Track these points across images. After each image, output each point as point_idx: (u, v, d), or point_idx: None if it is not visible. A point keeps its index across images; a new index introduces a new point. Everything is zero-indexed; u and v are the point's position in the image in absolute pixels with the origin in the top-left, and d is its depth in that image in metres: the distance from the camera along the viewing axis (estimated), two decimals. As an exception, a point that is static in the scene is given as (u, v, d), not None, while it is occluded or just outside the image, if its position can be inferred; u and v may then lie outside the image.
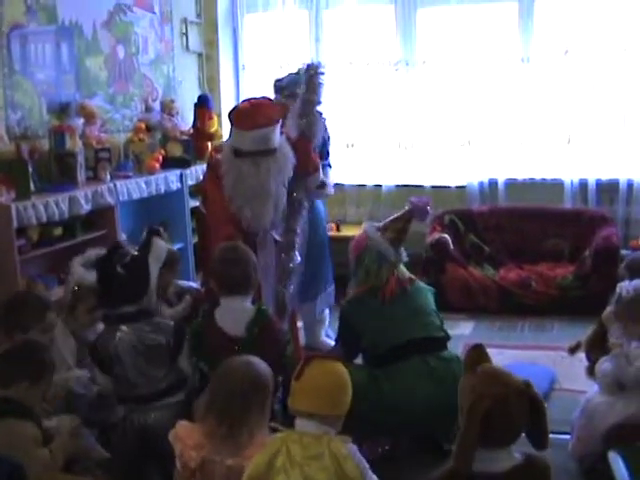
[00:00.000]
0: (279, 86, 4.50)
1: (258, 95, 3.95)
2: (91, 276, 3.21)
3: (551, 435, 3.40)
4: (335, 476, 2.21)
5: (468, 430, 1.99)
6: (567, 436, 3.34)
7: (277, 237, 3.91)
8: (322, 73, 3.90)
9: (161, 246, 3.23)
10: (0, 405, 2.58)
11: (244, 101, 3.82)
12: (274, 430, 2.39)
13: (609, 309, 3.71)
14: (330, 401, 2.32)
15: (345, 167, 6.40)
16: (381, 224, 3.82)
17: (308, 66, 3.93)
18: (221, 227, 3.71)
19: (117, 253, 3.09)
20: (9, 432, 2.52)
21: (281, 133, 3.78)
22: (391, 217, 3.88)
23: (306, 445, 2.24)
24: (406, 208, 3.77)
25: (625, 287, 3.19)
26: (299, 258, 3.95)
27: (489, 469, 2.06)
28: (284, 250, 3.90)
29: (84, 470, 2.73)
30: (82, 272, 3.27)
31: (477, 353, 2.12)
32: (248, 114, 3.57)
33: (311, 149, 3.96)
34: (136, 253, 3.12)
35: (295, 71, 4.32)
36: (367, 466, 2.30)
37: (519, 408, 2.02)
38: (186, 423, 2.54)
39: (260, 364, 2.57)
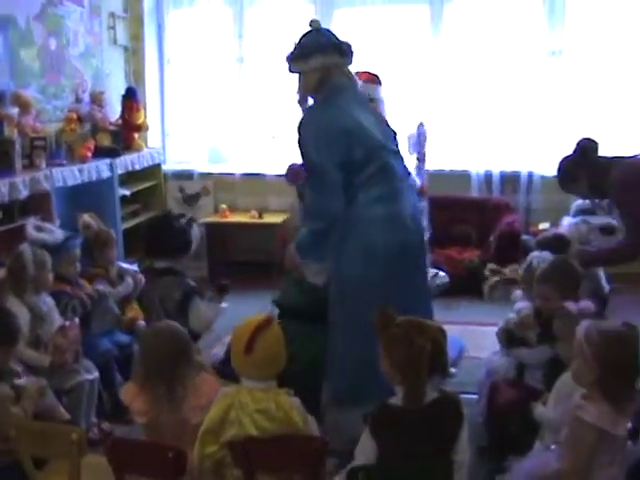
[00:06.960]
0: None
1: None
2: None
3: (461, 395, 3.86)
4: (282, 425, 2.47)
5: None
6: (474, 396, 3.76)
7: None
8: None
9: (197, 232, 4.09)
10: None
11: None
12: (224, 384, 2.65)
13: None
14: (278, 365, 2.57)
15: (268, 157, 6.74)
16: None
17: None
18: None
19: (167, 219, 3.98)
20: None
21: None
22: None
23: (256, 399, 2.49)
24: None
25: (536, 257, 3.52)
26: None
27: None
28: None
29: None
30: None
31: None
32: None
33: None
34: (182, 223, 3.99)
35: None
36: (308, 415, 2.56)
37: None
38: (132, 386, 2.77)
39: (176, 324, 2.87)
